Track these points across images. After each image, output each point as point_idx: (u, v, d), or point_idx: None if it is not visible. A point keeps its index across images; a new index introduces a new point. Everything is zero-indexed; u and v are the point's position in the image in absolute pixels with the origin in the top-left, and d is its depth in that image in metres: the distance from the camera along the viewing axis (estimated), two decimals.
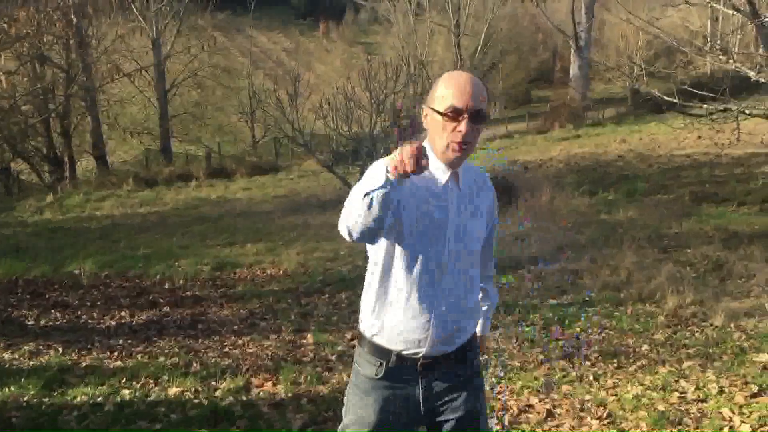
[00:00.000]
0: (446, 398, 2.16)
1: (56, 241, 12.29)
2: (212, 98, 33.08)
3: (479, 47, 36.24)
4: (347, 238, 1.87)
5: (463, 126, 1.98)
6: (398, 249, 2.07)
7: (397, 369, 2.13)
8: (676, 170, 15.69)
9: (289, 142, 16.56)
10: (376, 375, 2.14)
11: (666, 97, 8.51)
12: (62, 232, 13.44)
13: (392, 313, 2.10)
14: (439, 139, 2.03)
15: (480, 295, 2.36)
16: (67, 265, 9.49)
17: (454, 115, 1.97)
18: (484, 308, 2.45)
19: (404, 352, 2.11)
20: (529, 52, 45.77)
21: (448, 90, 2.00)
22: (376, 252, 2.11)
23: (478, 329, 2.39)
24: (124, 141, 30.38)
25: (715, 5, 8.06)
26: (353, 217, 1.80)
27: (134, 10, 25.85)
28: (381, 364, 2.14)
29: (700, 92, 7.88)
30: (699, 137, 17.53)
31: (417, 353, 2.11)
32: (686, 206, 11.36)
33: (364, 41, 52.00)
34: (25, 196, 19.77)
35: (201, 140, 31.18)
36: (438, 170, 2.07)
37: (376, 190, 1.75)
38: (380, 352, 2.14)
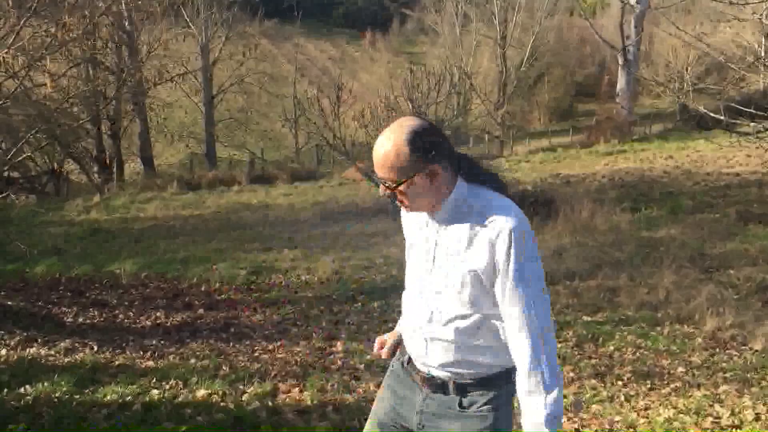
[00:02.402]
0: (439, 424, 2.14)
1: (100, 240, 12.56)
2: (257, 104, 33.58)
3: (525, 59, 36.02)
4: None
5: (380, 189, 2.07)
6: (407, 269, 2.27)
7: (407, 368, 2.25)
8: (723, 188, 15.30)
9: (330, 149, 16.67)
10: (398, 360, 2.31)
11: (713, 114, 8.31)
12: (106, 232, 13.72)
13: (405, 323, 2.27)
14: None
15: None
16: (109, 265, 9.67)
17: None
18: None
19: (411, 357, 2.23)
20: (576, 65, 45.38)
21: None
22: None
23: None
24: (171, 145, 31.02)
25: (766, 22, 7.86)
26: None
27: (184, 15, 26.40)
28: (400, 357, 2.31)
29: (747, 109, 7.67)
30: (749, 155, 17.13)
31: (414, 362, 2.21)
32: (731, 226, 11.05)
33: (410, 51, 52.15)
34: (74, 196, 20.26)
35: (245, 146, 31.62)
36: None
37: None
38: (403, 347, 2.30)
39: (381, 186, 2.05)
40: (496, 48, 36.30)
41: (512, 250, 1.92)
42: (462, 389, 2.10)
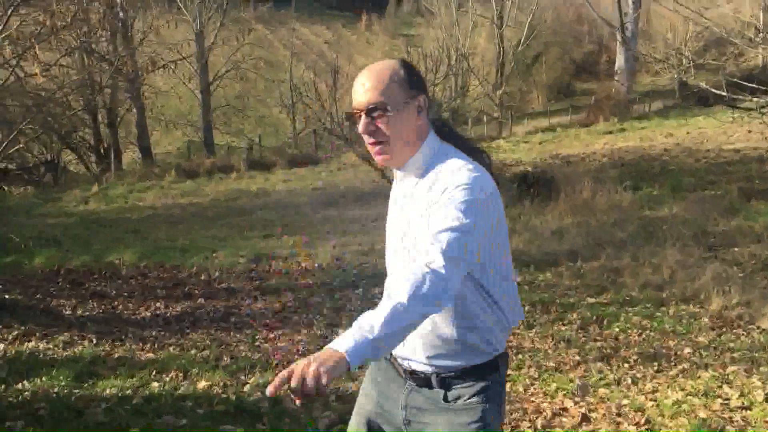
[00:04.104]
0: (424, 419, 1.97)
1: (99, 231, 12.49)
2: (254, 90, 33.38)
3: (522, 39, 35.77)
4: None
5: (360, 125, 1.83)
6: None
7: (390, 362, 2.05)
8: (725, 165, 15.20)
9: (328, 134, 16.55)
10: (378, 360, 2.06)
11: (714, 90, 8.20)
12: (105, 222, 13.66)
13: None
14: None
15: None
16: (108, 255, 9.60)
17: (356, 117, 1.85)
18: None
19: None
20: (574, 43, 45.06)
21: (352, 91, 1.86)
22: None
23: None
24: (169, 133, 30.90)
25: None
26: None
27: (178, 1, 26.17)
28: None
29: (749, 85, 7.56)
30: (749, 131, 17.01)
31: (395, 355, 2.01)
32: (734, 202, 10.96)
33: (406, 33, 51.77)
34: (72, 186, 20.17)
35: (243, 132, 31.47)
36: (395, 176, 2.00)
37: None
38: None
39: (363, 121, 1.83)
40: (493, 28, 36.01)
41: (447, 190, 1.76)
42: (446, 383, 1.92)
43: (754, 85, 7.50)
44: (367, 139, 1.85)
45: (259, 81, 32.39)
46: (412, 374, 1.97)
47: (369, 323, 1.53)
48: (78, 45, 7.13)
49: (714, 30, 9.14)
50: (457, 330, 1.87)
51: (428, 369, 1.93)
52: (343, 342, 1.52)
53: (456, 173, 1.79)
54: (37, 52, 5.30)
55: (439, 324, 1.87)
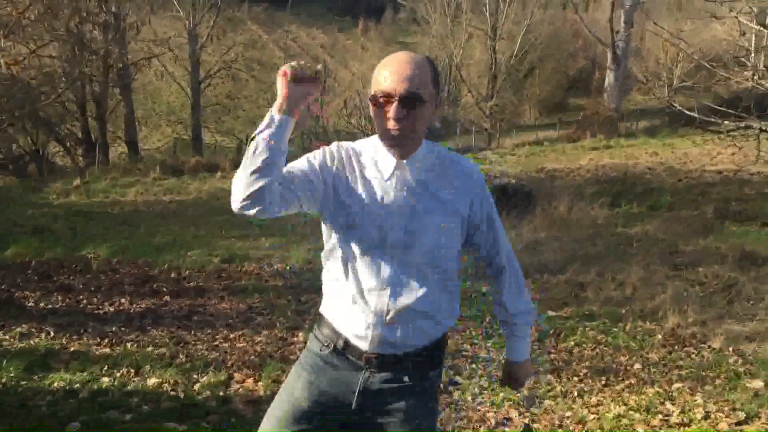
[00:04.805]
0: (385, 400, 2.00)
1: (77, 224, 12.46)
2: (246, 90, 33.40)
3: (514, 52, 35.94)
4: (235, 205, 1.93)
5: (391, 111, 1.85)
6: (345, 238, 1.98)
7: (342, 353, 2.02)
8: (705, 186, 15.33)
9: (312, 138, 16.60)
10: (320, 350, 2.05)
11: (687, 112, 8.31)
12: (84, 215, 13.62)
13: (342, 301, 2.02)
14: (378, 128, 1.93)
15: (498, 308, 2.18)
16: (82, 249, 9.59)
17: (383, 100, 1.86)
18: (509, 322, 2.17)
19: (350, 341, 2.01)
20: (568, 58, 45.27)
21: (382, 73, 1.88)
22: (327, 236, 2.05)
23: (507, 351, 2.21)
24: (159, 129, 30.87)
25: (742, 20, 7.83)
26: (240, 173, 1.89)
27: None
28: (329, 344, 2.04)
29: (720, 108, 7.66)
30: (733, 154, 17.14)
31: (361, 346, 1.99)
32: (708, 223, 11.10)
33: (402, 41, 51.91)
34: (55, 178, 20.09)
35: (233, 132, 31.48)
36: (386, 161, 1.97)
37: (261, 131, 1.85)
38: (332, 332, 2.04)
39: (396, 107, 1.83)
40: (487, 40, 36.16)
41: (490, 199, 2.06)
42: (413, 363, 2.00)
43: (724, 109, 7.60)
44: (392, 125, 1.86)
45: (252, 81, 32.42)
46: (377, 359, 1.98)
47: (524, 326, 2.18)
48: (56, 37, 7.14)
49: (687, 52, 9.23)
50: (440, 306, 2.01)
51: (400, 351, 1.98)
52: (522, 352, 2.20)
53: (477, 172, 2.07)
54: (2, 44, 5.30)
55: (429, 299, 1.98)
